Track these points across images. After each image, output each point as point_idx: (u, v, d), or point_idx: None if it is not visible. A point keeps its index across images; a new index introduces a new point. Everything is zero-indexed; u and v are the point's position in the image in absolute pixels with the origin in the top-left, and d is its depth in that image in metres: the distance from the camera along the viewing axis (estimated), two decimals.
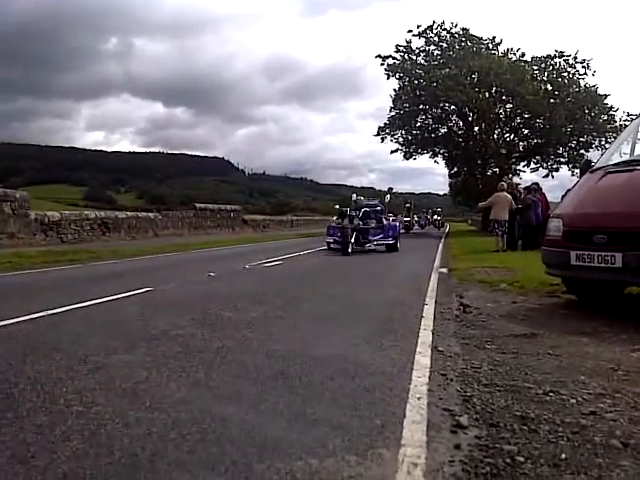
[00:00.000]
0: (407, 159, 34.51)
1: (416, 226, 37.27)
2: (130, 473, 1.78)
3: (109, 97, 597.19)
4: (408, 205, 36.39)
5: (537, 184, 15.31)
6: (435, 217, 42.26)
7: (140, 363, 3.12)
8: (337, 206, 15.83)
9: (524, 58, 31.06)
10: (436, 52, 30.98)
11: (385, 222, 14.53)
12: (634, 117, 6.83)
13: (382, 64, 31.05)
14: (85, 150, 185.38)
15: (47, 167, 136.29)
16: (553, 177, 33.56)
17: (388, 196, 18.78)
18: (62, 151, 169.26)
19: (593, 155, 28.37)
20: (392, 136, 33.16)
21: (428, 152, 34.71)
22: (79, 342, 3.64)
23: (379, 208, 15.40)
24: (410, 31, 30.42)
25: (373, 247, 13.77)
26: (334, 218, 15.90)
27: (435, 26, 30.50)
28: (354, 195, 16.39)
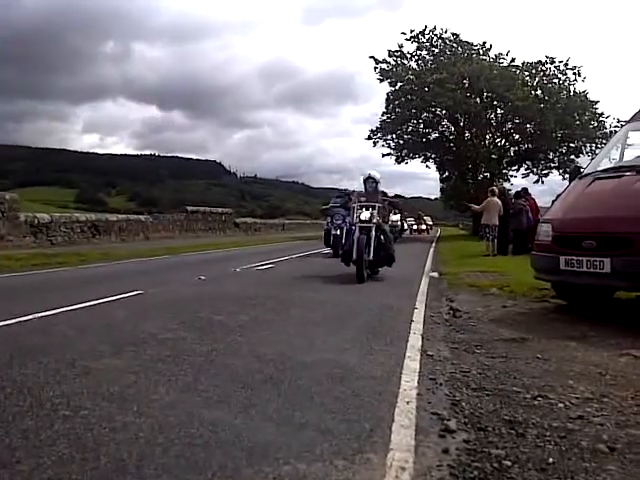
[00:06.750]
0: (399, 163, 34.59)
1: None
2: (116, 478, 1.76)
3: (106, 100, 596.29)
4: None
5: (526, 189, 15.44)
6: (394, 217, 17.30)
7: (128, 367, 3.10)
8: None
9: (514, 63, 31.29)
10: (427, 57, 31.13)
11: None
12: (624, 123, 6.90)
13: (375, 67, 31.17)
14: (77, 152, 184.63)
15: (38, 169, 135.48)
16: (543, 182, 33.89)
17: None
18: (53, 153, 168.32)
19: (583, 160, 28.66)
20: (384, 140, 33.27)
21: (419, 157, 34.78)
22: (67, 345, 3.61)
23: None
24: (404, 34, 30.59)
25: None
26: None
27: (427, 31, 30.68)
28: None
